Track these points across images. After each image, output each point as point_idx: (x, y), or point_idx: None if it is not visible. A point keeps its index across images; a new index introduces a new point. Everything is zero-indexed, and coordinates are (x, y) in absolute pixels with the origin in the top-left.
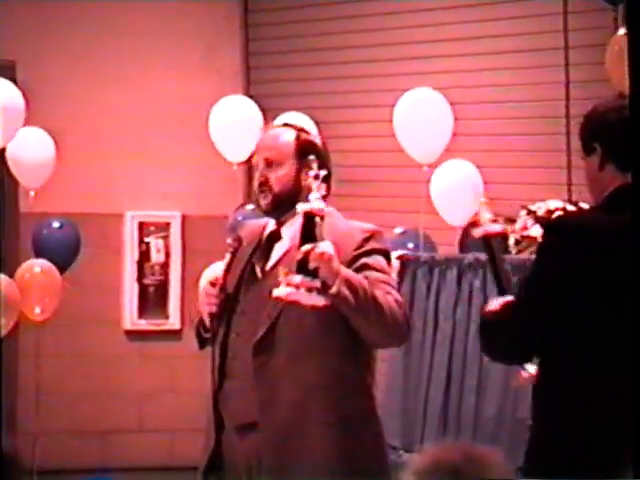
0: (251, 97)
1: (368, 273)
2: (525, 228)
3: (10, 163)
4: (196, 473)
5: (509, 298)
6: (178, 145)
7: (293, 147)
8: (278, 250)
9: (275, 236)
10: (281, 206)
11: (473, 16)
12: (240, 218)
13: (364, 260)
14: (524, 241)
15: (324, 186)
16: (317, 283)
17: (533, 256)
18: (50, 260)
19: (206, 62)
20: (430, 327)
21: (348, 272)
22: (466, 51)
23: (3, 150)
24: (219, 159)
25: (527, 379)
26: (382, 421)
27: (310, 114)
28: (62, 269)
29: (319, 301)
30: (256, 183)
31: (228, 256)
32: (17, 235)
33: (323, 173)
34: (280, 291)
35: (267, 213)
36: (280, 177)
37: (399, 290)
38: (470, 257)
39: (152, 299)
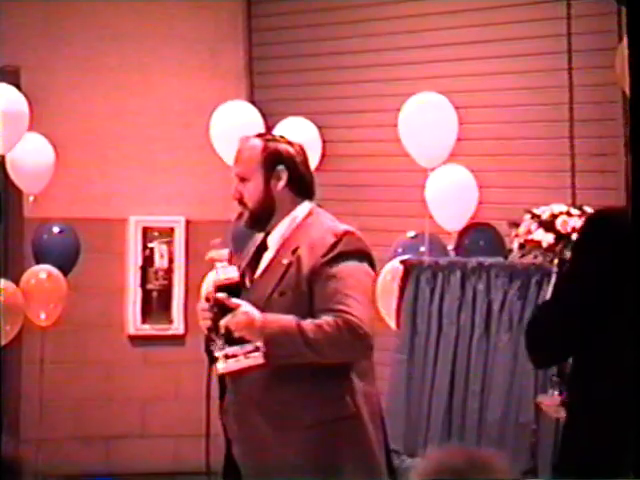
0: (255, 102)
1: (328, 286)
2: (529, 232)
3: (10, 169)
4: (201, 478)
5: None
6: (182, 150)
7: (259, 160)
8: (265, 260)
9: (263, 246)
10: (259, 220)
11: (476, 20)
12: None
13: (328, 271)
14: (528, 245)
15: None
16: (249, 347)
17: (537, 260)
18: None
19: (210, 67)
20: (434, 331)
21: (273, 327)
22: (469, 55)
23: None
24: (223, 164)
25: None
26: (378, 421)
27: (314, 119)
28: (63, 274)
29: (260, 360)
30: (236, 200)
31: (219, 270)
32: (21, 240)
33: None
34: (220, 366)
35: (249, 227)
36: (251, 192)
37: (401, 296)
38: (473, 261)
39: (156, 304)
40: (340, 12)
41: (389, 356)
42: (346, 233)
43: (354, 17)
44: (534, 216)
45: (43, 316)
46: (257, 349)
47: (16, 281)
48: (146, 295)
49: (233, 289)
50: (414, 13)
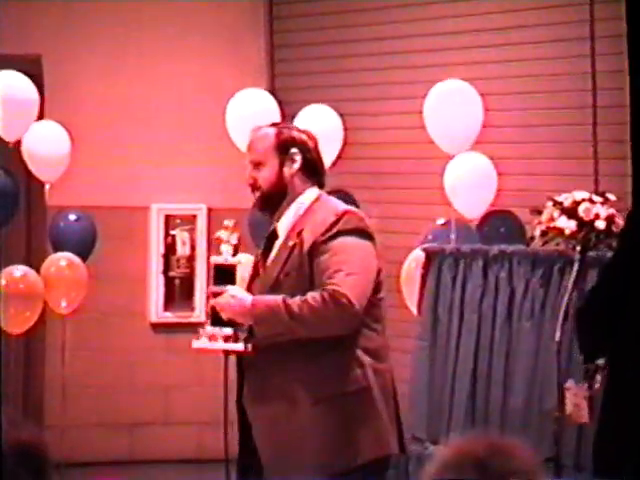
0: (275, 90)
1: (322, 262)
2: (552, 219)
3: (26, 157)
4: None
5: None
6: (203, 138)
7: (273, 144)
8: (276, 246)
9: (274, 234)
10: (271, 202)
11: (499, 7)
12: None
13: (324, 248)
14: (550, 232)
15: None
16: (227, 331)
17: (559, 247)
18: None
19: (231, 55)
20: (456, 319)
21: (261, 306)
22: (491, 42)
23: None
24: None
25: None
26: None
27: (335, 107)
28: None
29: (237, 347)
30: (249, 186)
31: (223, 252)
32: (43, 229)
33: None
34: (198, 343)
35: (260, 210)
36: (266, 175)
37: (424, 284)
38: (495, 249)
39: (178, 292)
40: None
41: (411, 343)
42: (346, 212)
43: (377, 4)
44: (556, 203)
45: (64, 304)
46: (236, 337)
47: (37, 269)
48: (168, 283)
49: (229, 272)
50: (437, 0)
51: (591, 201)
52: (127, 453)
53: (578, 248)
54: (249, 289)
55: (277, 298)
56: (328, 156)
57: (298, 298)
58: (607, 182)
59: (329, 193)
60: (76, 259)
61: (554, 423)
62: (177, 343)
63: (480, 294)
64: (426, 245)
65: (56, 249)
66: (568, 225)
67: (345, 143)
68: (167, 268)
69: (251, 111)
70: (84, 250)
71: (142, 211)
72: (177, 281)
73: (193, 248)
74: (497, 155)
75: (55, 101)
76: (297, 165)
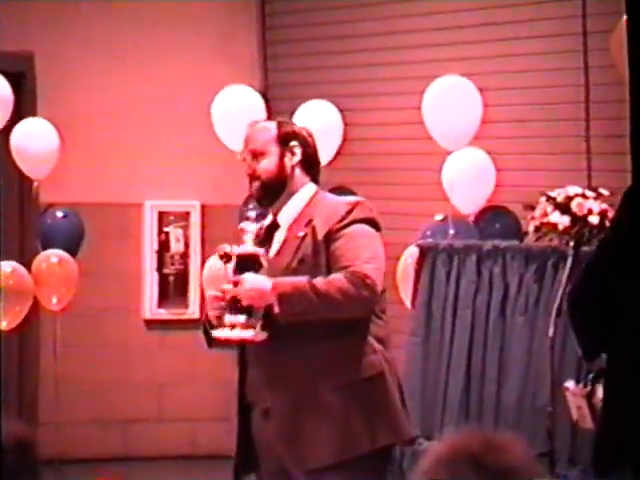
0: (269, 86)
1: (339, 247)
2: (545, 215)
3: (14, 154)
4: (217, 461)
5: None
6: (197, 134)
7: (274, 135)
8: (278, 238)
9: (273, 226)
10: (270, 192)
11: (492, 2)
12: (251, 206)
13: (340, 234)
14: (544, 228)
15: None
16: (250, 320)
17: (553, 242)
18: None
19: (224, 51)
20: (449, 315)
21: (285, 285)
22: (485, 38)
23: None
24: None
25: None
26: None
27: (332, 102)
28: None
29: (258, 337)
30: (247, 176)
31: (247, 241)
32: (37, 226)
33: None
34: (218, 333)
35: (259, 201)
36: (266, 165)
37: (418, 279)
38: (489, 244)
39: (172, 288)
40: None
41: (404, 339)
42: (359, 202)
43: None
44: (549, 199)
45: (55, 300)
46: (252, 325)
47: (30, 266)
48: (162, 279)
49: (251, 262)
50: None
51: (584, 196)
52: (121, 450)
53: (571, 243)
54: None
55: (301, 278)
56: (327, 152)
57: (321, 278)
58: (600, 177)
59: (330, 190)
60: (67, 256)
61: (547, 418)
62: (171, 340)
63: (474, 289)
64: (420, 241)
65: (44, 246)
66: (561, 220)
67: (344, 139)
68: (161, 265)
69: (236, 107)
70: (72, 247)
71: (136, 208)
72: (171, 278)
73: (187, 245)
74: (493, 150)
75: (48, 98)
76: (297, 158)
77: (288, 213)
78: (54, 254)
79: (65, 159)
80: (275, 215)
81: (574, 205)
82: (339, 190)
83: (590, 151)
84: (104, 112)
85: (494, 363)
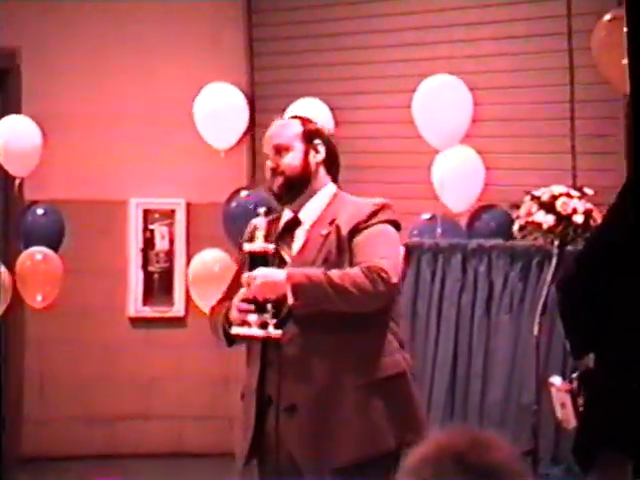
0: (255, 84)
1: (360, 244)
2: (530, 214)
3: None
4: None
5: None
6: (182, 132)
7: (299, 132)
8: (300, 235)
9: (293, 223)
10: (292, 189)
11: (475, 1)
12: (234, 205)
13: (363, 233)
14: (529, 227)
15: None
16: (255, 318)
17: (538, 241)
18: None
19: (210, 49)
20: (434, 313)
21: (299, 276)
22: (470, 37)
23: None
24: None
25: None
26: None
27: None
28: None
29: (273, 334)
30: (268, 171)
31: (258, 238)
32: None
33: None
34: (235, 330)
35: (280, 197)
36: (290, 160)
37: (403, 278)
38: (474, 243)
39: (157, 286)
40: None
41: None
42: (384, 205)
43: None
44: (534, 198)
45: (39, 298)
46: (266, 324)
47: (14, 263)
48: (147, 277)
49: (263, 258)
50: None
51: (569, 195)
52: (107, 447)
53: (556, 242)
54: None
55: (316, 270)
56: None
57: (337, 271)
58: (585, 177)
59: None
60: (51, 253)
61: (532, 416)
62: (156, 337)
63: (459, 288)
64: (405, 240)
65: (26, 243)
66: (546, 219)
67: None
68: (146, 263)
69: (218, 105)
70: (53, 244)
71: (121, 205)
72: (156, 276)
73: (172, 242)
74: (480, 150)
75: (33, 95)
76: (321, 156)
77: (310, 211)
78: (39, 251)
79: (49, 156)
80: (296, 212)
81: (559, 204)
82: None
83: (575, 150)
84: (89, 109)
85: (479, 361)
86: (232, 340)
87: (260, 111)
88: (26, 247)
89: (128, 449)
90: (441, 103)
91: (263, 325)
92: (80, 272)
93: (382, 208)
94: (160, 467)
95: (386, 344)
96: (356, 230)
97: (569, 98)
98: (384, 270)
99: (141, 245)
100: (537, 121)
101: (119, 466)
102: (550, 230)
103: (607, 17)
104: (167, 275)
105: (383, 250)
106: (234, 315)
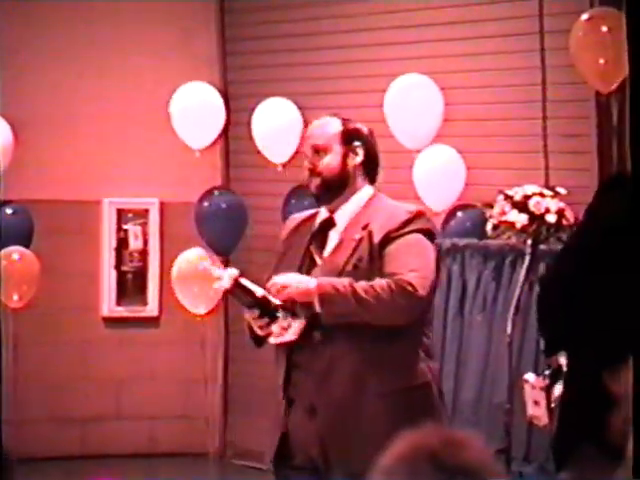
0: (228, 83)
1: (391, 253)
2: (503, 213)
3: None
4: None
5: None
6: (155, 131)
7: (339, 134)
8: (334, 236)
9: (328, 224)
10: (330, 190)
11: (449, 0)
12: (206, 204)
13: (396, 242)
14: (502, 226)
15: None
16: (283, 322)
17: (511, 241)
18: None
19: (182, 49)
20: None
21: (327, 287)
22: (444, 36)
23: None
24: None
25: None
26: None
27: (291, 100)
28: None
29: (288, 337)
30: (305, 171)
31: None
32: None
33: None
34: (274, 340)
35: (318, 197)
36: (328, 162)
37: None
38: (447, 242)
39: (130, 286)
40: None
41: None
42: (419, 212)
43: None
44: (507, 197)
45: (16, 297)
46: (288, 327)
47: None
48: (121, 277)
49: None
50: None
51: (541, 195)
52: (79, 448)
53: (529, 241)
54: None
55: (343, 280)
56: (287, 150)
57: (365, 282)
58: (557, 176)
59: (293, 189)
60: (28, 253)
61: (505, 415)
62: (129, 337)
63: None
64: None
65: None
66: (519, 219)
67: (303, 137)
68: (119, 262)
69: (194, 104)
70: (23, 243)
71: (94, 205)
72: (129, 275)
73: (146, 242)
74: (458, 149)
75: (5, 95)
76: (360, 159)
77: (345, 214)
78: (15, 251)
79: (22, 156)
80: (332, 213)
81: (531, 204)
82: (302, 189)
83: (547, 150)
84: (62, 109)
85: (452, 360)
86: (260, 342)
87: (234, 111)
88: None
89: (101, 449)
90: (412, 103)
91: (285, 329)
92: (53, 272)
93: (416, 216)
94: (133, 467)
95: (412, 353)
96: (388, 239)
97: (541, 98)
98: (412, 284)
99: (114, 245)
100: (509, 121)
101: (91, 466)
102: (523, 229)
103: (584, 17)
104: (141, 275)
105: (413, 262)
106: (257, 330)
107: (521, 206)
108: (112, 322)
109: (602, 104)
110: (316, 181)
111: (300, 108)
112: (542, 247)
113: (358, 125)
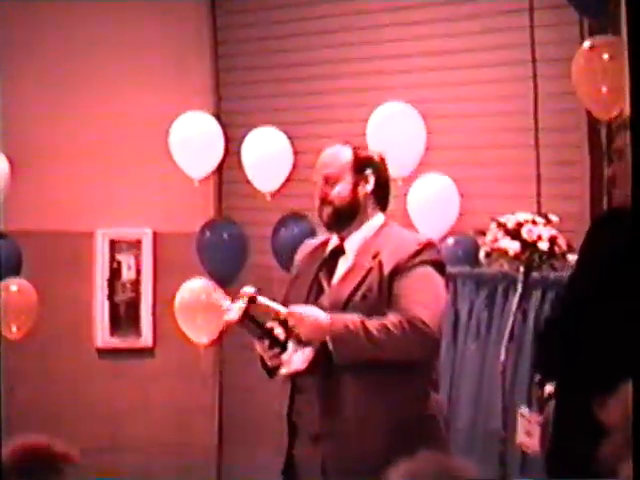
0: (222, 113)
1: (401, 287)
2: (495, 240)
3: None
4: None
5: None
6: (148, 161)
7: (350, 163)
8: (343, 264)
9: (338, 251)
10: (341, 219)
11: (441, 30)
12: (208, 234)
13: (405, 274)
14: (494, 253)
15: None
16: (290, 351)
17: (503, 268)
18: None
19: (176, 78)
20: None
21: (339, 325)
22: (435, 65)
23: None
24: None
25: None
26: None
27: (284, 129)
28: None
29: (295, 366)
30: (317, 200)
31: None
32: None
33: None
34: (285, 372)
35: (329, 226)
36: (339, 192)
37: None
38: None
39: (124, 317)
40: (306, 23)
41: None
42: (428, 243)
43: (320, 28)
44: (500, 224)
45: (14, 329)
46: (297, 355)
47: None
48: (113, 308)
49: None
50: (381, 24)
51: (534, 222)
52: None
53: (522, 269)
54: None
55: (355, 319)
56: (278, 178)
57: (377, 321)
58: (550, 203)
59: (284, 216)
60: (26, 284)
61: (499, 444)
62: (123, 368)
63: None
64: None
65: None
66: (512, 246)
67: (294, 166)
68: (112, 293)
69: (194, 134)
70: (9, 275)
71: (87, 236)
72: (123, 306)
73: (139, 272)
74: (450, 177)
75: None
76: (370, 187)
77: (355, 242)
78: (14, 282)
79: (15, 186)
80: (342, 240)
81: (524, 231)
82: (293, 216)
83: (540, 177)
84: (55, 139)
85: (445, 389)
86: (271, 373)
87: (227, 140)
88: None
89: None
90: (394, 131)
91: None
92: (46, 303)
93: (425, 247)
94: None
95: (418, 386)
96: (397, 271)
97: (533, 126)
98: (423, 322)
99: (107, 276)
100: (500, 149)
101: None
102: (516, 257)
103: (586, 45)
104: (134, 305)
105: (424, 297)
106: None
107: (514, 233)
108: (106, 353)
109: (594, 131)
110: (327, 210)
111: (290, 138)
112: (535, 275)
113: (369, 153)
